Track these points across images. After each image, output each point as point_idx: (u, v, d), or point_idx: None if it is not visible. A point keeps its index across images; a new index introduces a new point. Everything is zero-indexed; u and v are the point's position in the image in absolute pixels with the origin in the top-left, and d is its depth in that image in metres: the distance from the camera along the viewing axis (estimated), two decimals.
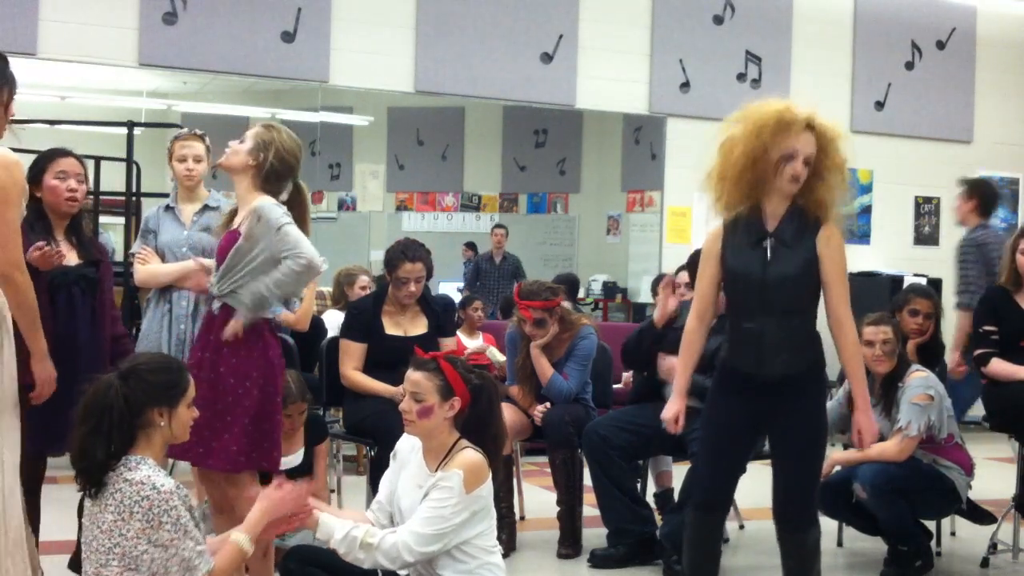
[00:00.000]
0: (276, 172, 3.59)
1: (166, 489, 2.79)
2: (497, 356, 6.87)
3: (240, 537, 2.98)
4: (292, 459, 4.53)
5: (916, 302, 5.11)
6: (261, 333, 3.62)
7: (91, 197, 6.79)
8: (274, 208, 3.54)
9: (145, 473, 2.81)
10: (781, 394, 3.59)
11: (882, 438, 4.58)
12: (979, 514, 4.76)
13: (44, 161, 3.88)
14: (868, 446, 3.74)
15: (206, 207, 4.54)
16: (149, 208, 4.94)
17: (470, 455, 3.28)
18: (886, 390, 4.60)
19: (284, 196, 3.65)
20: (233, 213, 3.76)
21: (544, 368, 4.97)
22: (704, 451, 3.81)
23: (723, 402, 3.72)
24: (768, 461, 3.80)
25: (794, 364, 3.58)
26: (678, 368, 3.80)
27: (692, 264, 4.79)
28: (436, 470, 3.29)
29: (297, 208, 3.65)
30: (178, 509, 2.79)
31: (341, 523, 3.20)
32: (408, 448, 3.47)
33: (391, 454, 3.54)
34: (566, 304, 5.38)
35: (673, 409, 3.73)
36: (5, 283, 3.06)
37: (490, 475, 3.32)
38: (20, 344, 3.20)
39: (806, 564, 3.71)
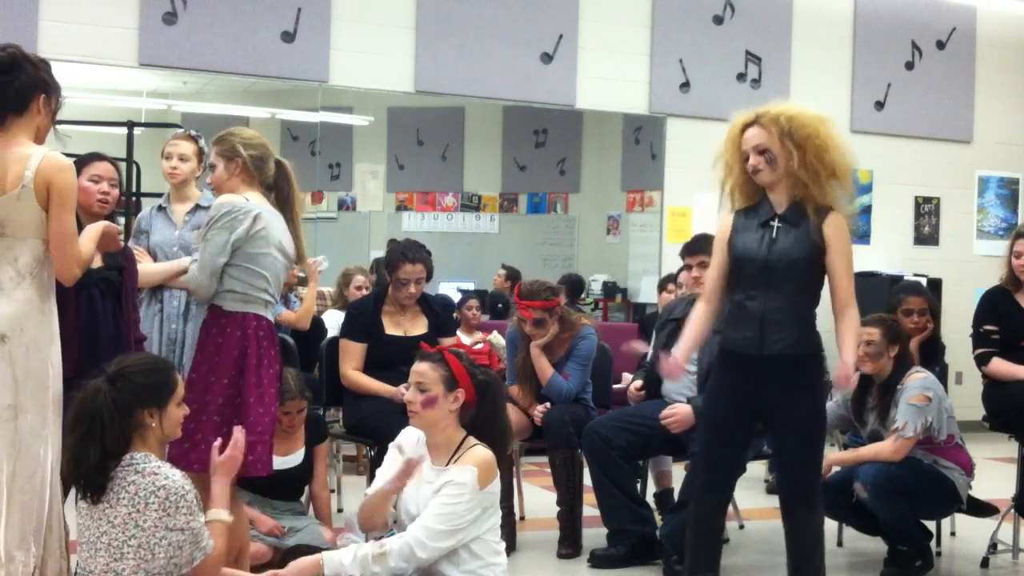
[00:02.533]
0: (257, 158, 3.75)
1: (179, 478, 2.89)
2: (500, 341, 6.85)
3: (219, 513, 3.07)
4: (292, 458, 4.54)
5: (908, 301, 5.12)
6: (235, 332, 3.66)
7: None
8: (223, 209, 3.62)
9: (155, 465, 2.90)
10: (779, 376, 3.65)
11: (880, 437, 4.59)
12: (980, 507, 4.75)
13: (80, 164, 3.92)
14: (847, 380, 3.63)
15: (198, 207, 4.55)
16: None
17: (482, 452, 3.30)
18: (884, 392, 4.60)
19: (273, 175, 3.78)
20: None
21: (544, 368, 4.97)
22: (705, 436, 3.87)
23: (721, 388, 3.79)
24: (765, 461, 3.83)
25: (793, 344, 3.64)
26: (686, 333, 3.88)
27: (695, 245, 4.87)
28: (447, 466, 3.30)
29: (286, 184, 3.82)
30: (191, 494, 2.90)
31: (345, 550, 3.20)
32: (413, 443, 3.47)
33: (396, 447, 3.51)
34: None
35: (674, 353, 3.84)
36: (68, 279, 3.23)
37: (498, 472, 3.34)
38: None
39: (810, 549, 3.73)
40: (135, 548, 2.81)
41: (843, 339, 3.65)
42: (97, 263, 3.91)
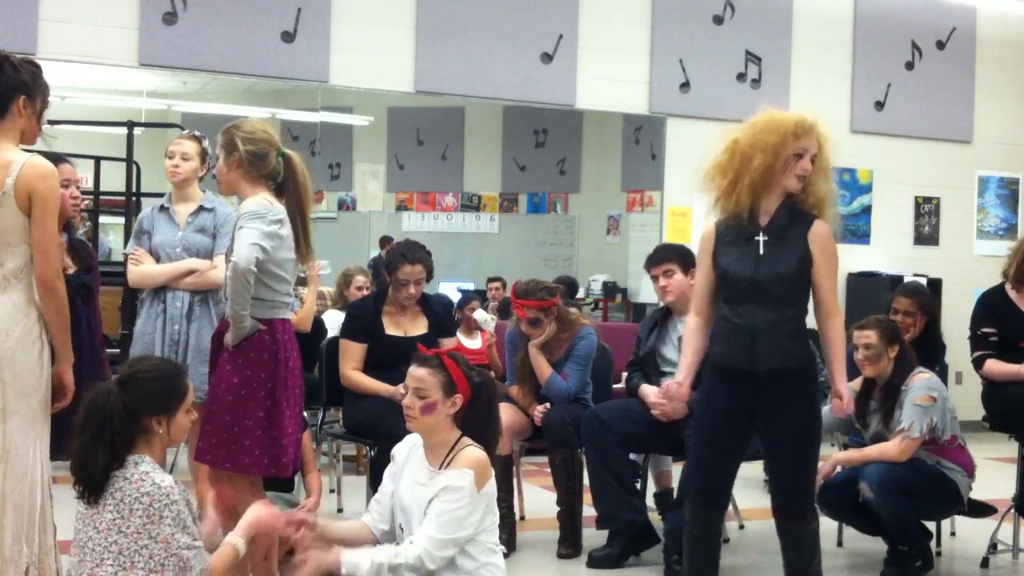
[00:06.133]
0: (254, 154, 3.70)
1: (166, 485, 2.81)
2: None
3: (235, 539, 2.99)
4: None
5: (897, 301, 5.14)
6: (264, 336, 3.68)
7: (91, 197, 6.83)
8: (251, 207, 3.62)
9: (144, 470, 2.83)
10: (772, 388, 3.63)
11: (883, 439, 4.59)
12: (978, 508, 4.75)
13: None
14: (847, 408, 3.74)
15: (201, 208, 4.55)
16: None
17: (475, 453, 3.29)
18: (887, 393, 4.60)
19: (279, 170, 3.74)
20: None
21: (542, 368, 4.96)
22: (698, 447, 3.84)
23: (714, 397, 3.75)
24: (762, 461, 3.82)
25: (784, 358, 3.63)
26: (685, 354, 3.80)
27: (673, 252, 4.85)
28: (440, 468, 3.30)
29: (292, 177, 3.77)
30: (178, 504, 2.80)
31: (363, 554, 3.18)
32: (406, 451, 3.48)
33: (391, 454, 3.55)
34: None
35: (679, 383, 3.72)
36: (47, 290, 3.17)
37: (493, 472, 3.34)
38: None
39: (807, 556, 3.73)
40: (115, 555, 2.75)
41: (832, 362, 3.69)
42: (71, 268, 3.92)
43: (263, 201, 3.66)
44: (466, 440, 3.34)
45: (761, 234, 3.63)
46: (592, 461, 4.72)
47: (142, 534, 2.76)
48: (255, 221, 3.59)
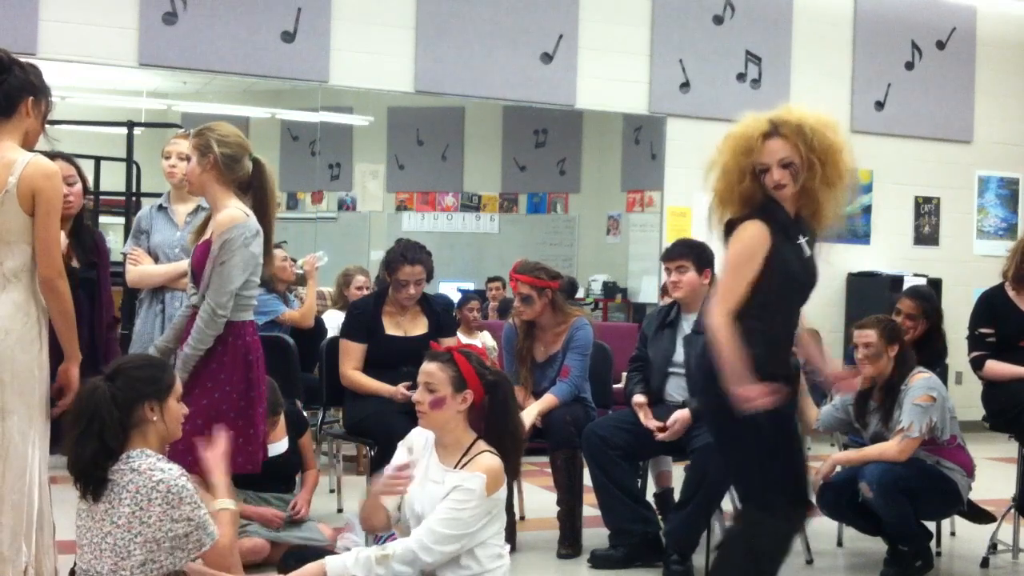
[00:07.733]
0: (229, 157, 3.74)
1: (175, 470, 2.89)
2: (490, 342, 6.86)
3: (225, 503, 3.08)
4: (278, 446, 4.58)
5: (901, 302, 5.16)
6: (236, 343, 3.71)
7: (91, 197, 6.83)
8: (236, 231, 3.64)
9: (151, 461, 2.89)
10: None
11: (883, 439, 4.59)
12: (978, 514, 4.76)
13: None
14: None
15: (199, 208, 4.55)
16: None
17: (491, 459, 3.29)
18: (887, 393, 4.60)
19: (249, 174, 3.78)
20: (207, 221, 3.86)
21: (537, 407, 4.91)
22: (791, 449, 3.47)
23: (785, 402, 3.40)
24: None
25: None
26: (737, 366, 3.25)
27: (689, 250, 4.81)
28: (455, 468, 3.30)
29: (261, 181, 3.82)
30: (189, 485, 2.89)
31: (347, 554, 3.21)
32: (421, 444, 3.47)
33: (407, 447, 3.52)
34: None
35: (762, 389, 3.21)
36: (49, 289, 3.18)
37: (506, 479, 3.33)
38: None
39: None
40: (141, 544, 2.83)
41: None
42: (74, 262, 3.92)
43: (240, 215, 3.69)
44: (482, 444, 3.33)
45: (801, 237, 3.45)
46: (598, 478, 4.71)
47: (164, 520, 2.84)
48: (239, 252, 3.62)
